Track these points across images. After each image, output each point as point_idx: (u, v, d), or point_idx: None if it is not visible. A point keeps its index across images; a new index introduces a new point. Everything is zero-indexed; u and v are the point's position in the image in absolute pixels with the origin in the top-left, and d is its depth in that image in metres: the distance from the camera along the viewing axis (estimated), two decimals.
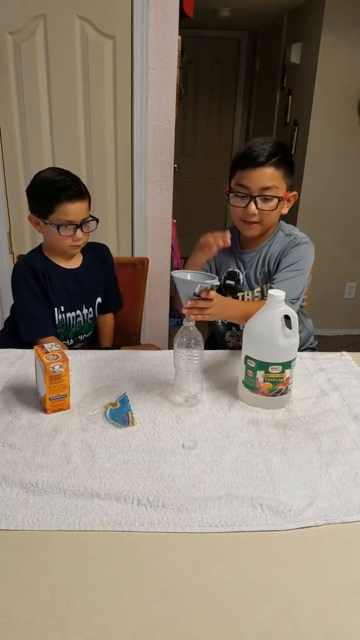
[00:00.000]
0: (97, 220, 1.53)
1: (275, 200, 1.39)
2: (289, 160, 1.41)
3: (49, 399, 1.13)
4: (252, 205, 1.39)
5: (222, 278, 1.58)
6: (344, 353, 1.49)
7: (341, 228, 3.39)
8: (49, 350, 1.14)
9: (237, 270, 1.55)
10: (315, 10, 3.05)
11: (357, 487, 0.95)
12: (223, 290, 1.58)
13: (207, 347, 1.66)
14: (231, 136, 4.80)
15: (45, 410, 1.15)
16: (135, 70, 2.20)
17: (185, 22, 2.32)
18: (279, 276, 1.43)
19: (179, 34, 2.21)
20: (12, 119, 2.25)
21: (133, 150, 2.33)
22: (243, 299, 1.55)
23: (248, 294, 1.54)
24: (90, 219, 1.52)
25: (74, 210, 1.45)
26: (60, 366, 1.11)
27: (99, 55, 2.19)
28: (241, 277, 1.54)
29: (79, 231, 1.48)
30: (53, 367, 1.10)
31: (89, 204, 1.51)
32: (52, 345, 1.17)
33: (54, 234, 1.47)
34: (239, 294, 1.56)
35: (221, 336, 1.68)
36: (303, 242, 1.46)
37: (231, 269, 1.56)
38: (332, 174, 3.28)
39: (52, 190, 1.45)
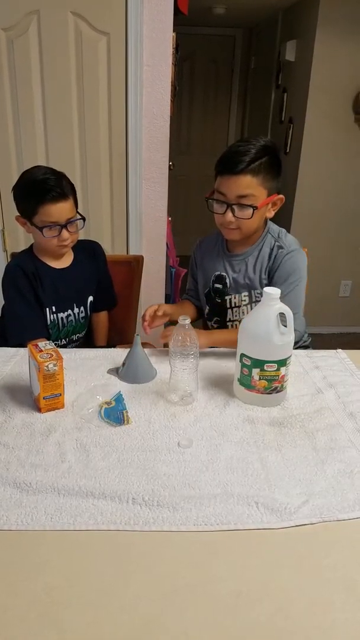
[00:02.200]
0: (84, 219, 1.52)
1: (251, 210, 1.37)
2: (273, 164, 1.38)
3: (43, 398, 1.13)
4: (229, 214, 1.38)
5: (211, 282, 1.58)
6: (339, 351, 1.49)
7: (336, 226, 3.39)
8: (43, 348, 1.14)
9: (224, 274, 1.55)
10: (310, 7, 3.05)
11: (352, 484, 0.95)
12: (212, 293, 1.58)
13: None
14: (226, 134, 4.80)
15: (39, 409, 1.14)
16: (129, 66, 2.19)
17: (179, 19, 2.31)
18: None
19: (174, 31, 2.20)
20: (5, 115, 2.24)
21: (127, 147, 2.33)
22: (230, 302, 1.55)
23: (235, 298, 1.54)
24: (76, 217, 1.49)
25: (57, 211, 1.43)
26: (55, 365, 1.11)
27: (93, 52, 2.18)
28: (228, 280, 1.54)
29: (64, 231, 1.46)
30: (47, 366, 1.10)
31: (75, 202, 1.49)
32: (46, 343, 1.16)
33: (40, 235, 1.46)
34: (226, 297, 1.55)
35: None
36: (292, 250, 1.45)
37: (219, 273, 1.56)
38: (327, 172, 3.28)
39: (33, 193, 1.43)
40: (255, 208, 1.37)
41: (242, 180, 1.34)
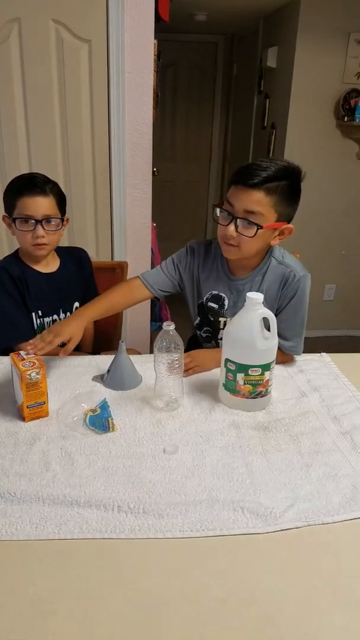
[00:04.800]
0: (62, 220, 1.51)
1: (255, 228, 1.27)
2: (292, 190, 1.29)
3: (27, 407, 1.12)
4: (231, 227, 1.28)
5: (205, 300, 1.50)
6: (323, 354, 1.50)
7: (320, 230, 3.42)
8: (25, 357, 1.13)
9: (223, 295, 1.47)
10: (291, 15, 3.09)
11: (336, 488, 0.96)
12: (205, 310, 1.52)
13: (189, 347, 1.65)
14: (210, 140, 4.82)
15: (23, 418, 1.13)
16: (111, 74, 2.19)
17: (161, 26, 2.33)
18: (285, 316, 1.40)
19: (155, 38, 2.21)
20: None
21: (111, 154, 2.33)
22: (224, 324, 1.49)
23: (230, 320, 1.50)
24: (53, 217, 1.47)
25: (33, 204, 1.43)
26: (37, 373, 1.10)
27: (74, 59, 2.18)
28: (226, 302, 1.47)
29: (39, 228, 1.45)
30: (29, 375, 1.09)
31: (58, 204, 1.49)
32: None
33: (17, 230, 1.47)
34: (221, 319, 1.49)
35: (201, 344, 1.66)
36: (302, 275, 1.38)
37: (216, 292, 1.48)
38: (310, 177, 3.29)
39: (16, 187, 1.46)
40: (260, 227, 1.27)
41: (253, 195, 1.25)
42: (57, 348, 1.28)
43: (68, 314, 1.64)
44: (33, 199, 1.43)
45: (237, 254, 1.35)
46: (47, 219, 1.46)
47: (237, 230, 1.28)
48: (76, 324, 1.31)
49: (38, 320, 1.56)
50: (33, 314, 1.55)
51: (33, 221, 1.45)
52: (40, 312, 1.56)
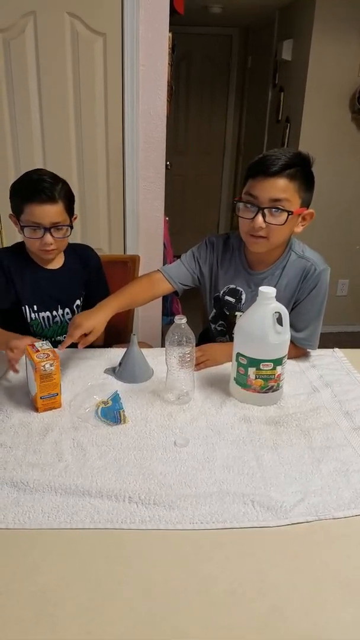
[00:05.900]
0: (71, 227, 1.49)
1: (285, 215, 1.27)
2: (307, 175, 1.30)
3: (40, 398, 1.13)
4: (259, 218, 1.27)
5: (222, 293, 1.50)
6: (336, 350, 1.50)
7: (333, 224, 3.39)
8: (39, 348, 1.14)
9: (241, 289, 1.46)
10: (306, 7, 3.05)
11: (347, 482, 0.95)
12: (221, 303, 1.51)
13: (200, 342, 1.65)
14: (223, 134, 4.80)
15: (36, 409, 1.15)
16: (125, 67, 2.19)
17: (175, 19, 2.31)
18: (303, 309, 1.39)
19: (170, 31, 2.20)
20: (2, 116, 2.24)
21: (124, 147, 2.33)
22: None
23: None
24: (62, 224, 1.45)
25: (42, 213, 1.40)
26: (51, 365, 1.11)
27: (89, 53, 2.18)
28: (244, 296, 1.46)
29: (47, 236, 1.43)
30: (44, 366, 1.10)
31: (67, 208, 1.47)
32: (42, 343, 1.16)
33: (25, 236, 1.45)
34: (237, 314, 1.48)
35: (213, 339, 1.66)
36: (323, 269, 1.40)
37: (234, 287, 1.47)
38: (324, 171, 3.28)
39: (23, 190, 1.43)
40: (290, 213, 1.27)
41: (277, 183, 1.25)
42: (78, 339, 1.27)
43: (67, 310, 1.63)
44: (41, 207, 1.40)
45: (265, 246, 1.34)
46: (56, 226, 1.44)
47: (265, 221, 1.28)
48: (99, 316, 1.32)
49: (33, 314, 1.55)
50: (27, 307, 1.54)
51: (42, 229, 1.42)
52: (35, 307, 1.56)
